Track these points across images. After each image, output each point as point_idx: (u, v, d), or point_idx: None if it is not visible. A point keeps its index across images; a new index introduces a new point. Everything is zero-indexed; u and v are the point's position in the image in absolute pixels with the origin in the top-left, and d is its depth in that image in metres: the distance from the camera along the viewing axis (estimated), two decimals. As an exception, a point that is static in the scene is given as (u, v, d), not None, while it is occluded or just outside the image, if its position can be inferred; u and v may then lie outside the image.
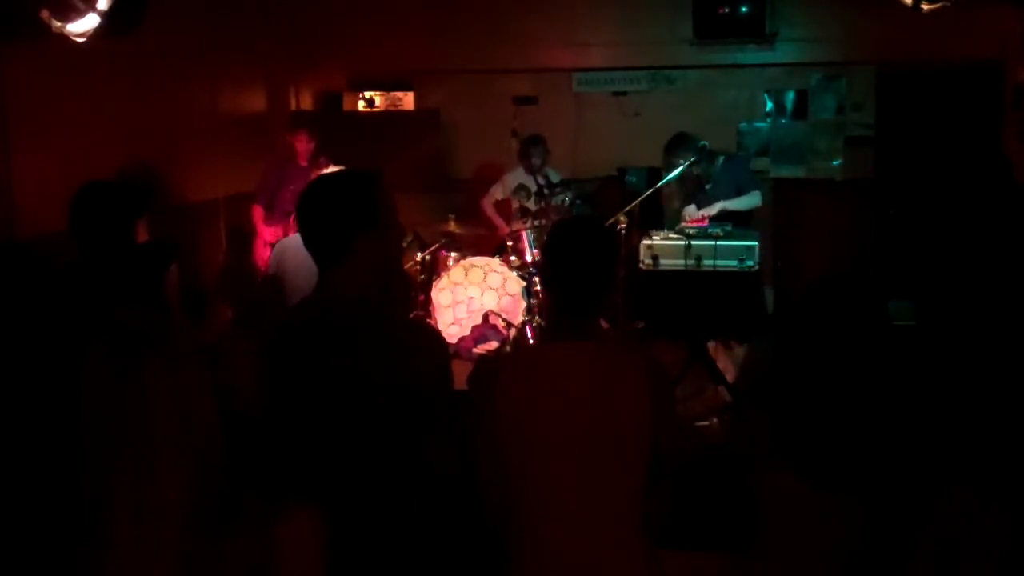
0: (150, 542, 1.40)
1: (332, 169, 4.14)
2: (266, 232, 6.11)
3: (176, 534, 1.40)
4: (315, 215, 2.04)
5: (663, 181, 5.54)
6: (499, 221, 6.78)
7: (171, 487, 1.41)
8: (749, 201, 5.43)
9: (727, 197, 5.44)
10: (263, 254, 5.94)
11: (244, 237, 6.51)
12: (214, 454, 1.45)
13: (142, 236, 3.32)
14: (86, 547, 1.41)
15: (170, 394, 1.43)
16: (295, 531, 1.51)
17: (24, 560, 1.66)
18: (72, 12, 3.87)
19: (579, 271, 2.06)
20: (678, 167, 5.35)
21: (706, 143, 5.49)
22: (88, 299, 2.73)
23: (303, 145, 6.19)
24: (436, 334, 2.21)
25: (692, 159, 5.35)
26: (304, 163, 6.12)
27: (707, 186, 5.52)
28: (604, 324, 5.76)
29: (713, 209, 5.40)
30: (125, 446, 1.40)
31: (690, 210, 5.57)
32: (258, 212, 6.19)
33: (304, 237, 2.06)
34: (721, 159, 5.58)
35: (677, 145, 5.43)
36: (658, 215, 6.13)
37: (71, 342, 2.44)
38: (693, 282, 4.92)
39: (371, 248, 2.03)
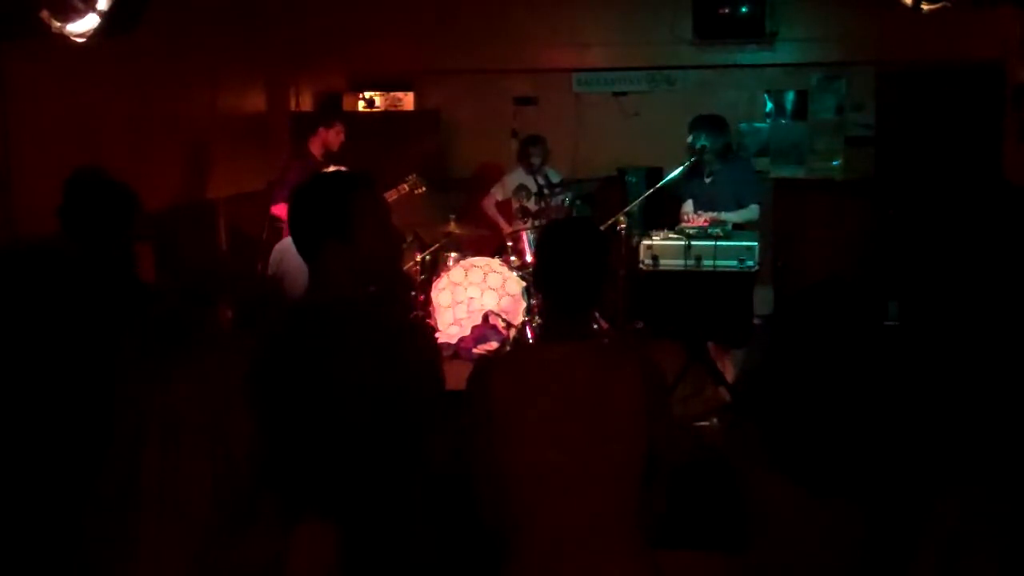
0: (172, 536, 1.39)
1: (331, 169, 4.14)
2: None
3: (197, 530, 1.39)
4: (291, 216, 2.10)
5: (666, 180, 5.54)
6: (501, 221, 6.79)
7: (195, 482, 1.40)
8: (747, 215, 5.42)
9: (725, 197, 5.42)
10: None
11: (244, 237, 6.51)
12: (241, 451, 1.44)
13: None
14: (111, 539, 1.40)
15: (198, 387, 1.42)
16: (308, 540, 1.50)
17: (48, 551, 1.66)
18: (72, 12, 3.87)
19: (570, 272, 2.07)
20: (694, 145, 5.36)
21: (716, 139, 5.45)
22: (88, 297, 2.74)
23: (339, 136, 6.14)
24: (425, 332, 2.21)
25: (699, 150, 5.35)
26: (320, 157, 6.07)
27: (707, 179, 5.51)
28: (604, 324, 5.77)
29: (712, 215, 5.38)
30: (151, 436, 1.40)
31: (688, 207, 5.56)
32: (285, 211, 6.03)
33: (292, 234, 2.12)
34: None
35: (701, 125, 5.42)
36: (660, 214, 6.13)
37: (88, 338, 2.45)
38: (693, 282, 4.91)
39: (339, 251, 2.04)
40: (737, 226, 5.29)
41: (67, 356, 2.58)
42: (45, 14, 3.79)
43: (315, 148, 6.12)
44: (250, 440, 1.46)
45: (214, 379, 1.44)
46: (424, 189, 6.24)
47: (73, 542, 1.44)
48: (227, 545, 1.41)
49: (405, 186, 6.13)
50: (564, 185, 6.38)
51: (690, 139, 5.41)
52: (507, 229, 6.62)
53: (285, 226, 5.91)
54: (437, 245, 6.33)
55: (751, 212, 5.42)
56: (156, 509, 1.39)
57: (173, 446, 1.39)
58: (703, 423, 4.68)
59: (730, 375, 5.09)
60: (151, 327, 1.47)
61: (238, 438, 1.44)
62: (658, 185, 5.62)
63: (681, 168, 5.41)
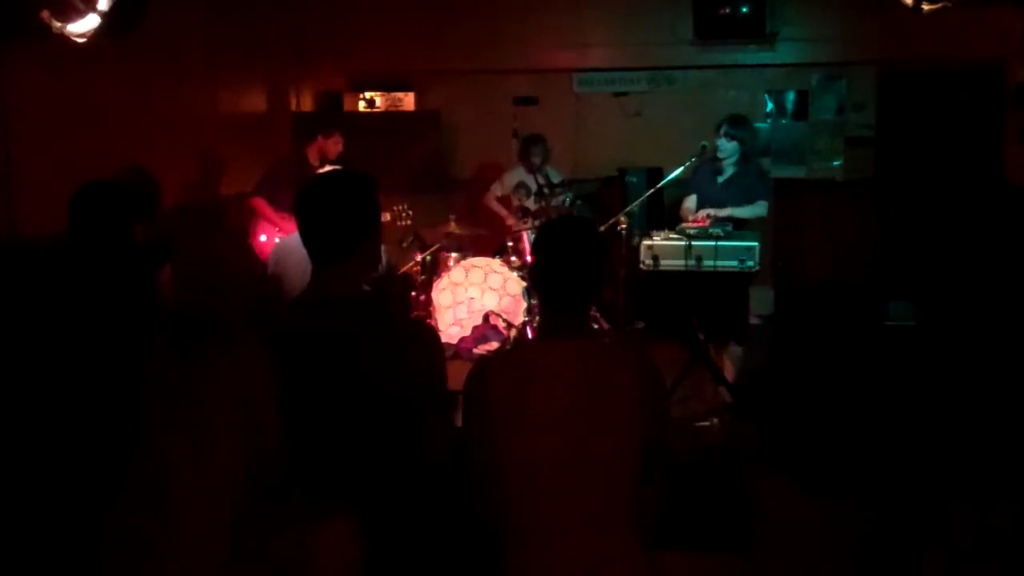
0: (207, 528, 1.40)
1: (327, 169, 4.14)
2: (288, 224, 5.70)
3: (227, 523, 1.40)
4: (324, 213, 2.05)
5: (666, 179, 5.53)
6: (504, 212, 6.78)
7: (229, 473, 1.40)
8: (754, 211, 5.40)
9: (737, 197, 5.41)
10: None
11: (244, 237, 6.50)
12: (271, 443, 1.46)
13: (139, 237, 3.32)
14: (143, 534, 1.41)
15: (229, 382, 1.43)
16: (336, 537, 1.50)
17: (69, 547, 1.66)
18: (72, 12, 3.87)
19: (566, 271, 2.07)
20: (720, 140, 5.34)
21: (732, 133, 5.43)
22: (89, 298, 2.74)
23: (336, 147, 6.03)
24: (430, 331, 2.22)
25: (701, 150, 5.35)
26: (316, 163, 6.00)
27: (719, 178, 5.50)
28: (604, 324, 5.77)
29: (721, 213, 5.36)
30: (183, 433, 1.40)
31: (690, 202, 5.54)
32: (265, 205, 5.88)
33: (307, 235, 2.07)
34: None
35: (728, 122, 5.41)
36: (661, 214, 6.13)
37: (97, 336, 2.45)
38: (694, 282, 4.91)
39: (371, 248, 2.09)
40: (739, 225, 5.28)
41: (74, 354, 2.58)
42: (45, 14, 3.79)
43: (312, 155, 6.03)
44: (279, 432, 1.47)
45: (244, 372, 1.46)
46: (410, 223, 6.14)
47: (96, 539, 1.45)
48: (261, 536, 1.41)
49: (387, 214, 5.94)
50: (564, 185, 6.38)
51: (721, 139, 5.36)
52: (509, 220, 6.62)
53: (264, 221, 5.91)
54: (437, 245, 6.33)
55: (759, 208, 5.40)
56: (190, 501, 1.39)
57: (207, 440, 1.40)
58: (703, 423, 4.68)
59: (729, 375, 5.09)
60: (178, 323, 1.48)
61: (268, 430, 1.46)
62: (659, 185, 5.61)
63: (682, 168, 5.40)
